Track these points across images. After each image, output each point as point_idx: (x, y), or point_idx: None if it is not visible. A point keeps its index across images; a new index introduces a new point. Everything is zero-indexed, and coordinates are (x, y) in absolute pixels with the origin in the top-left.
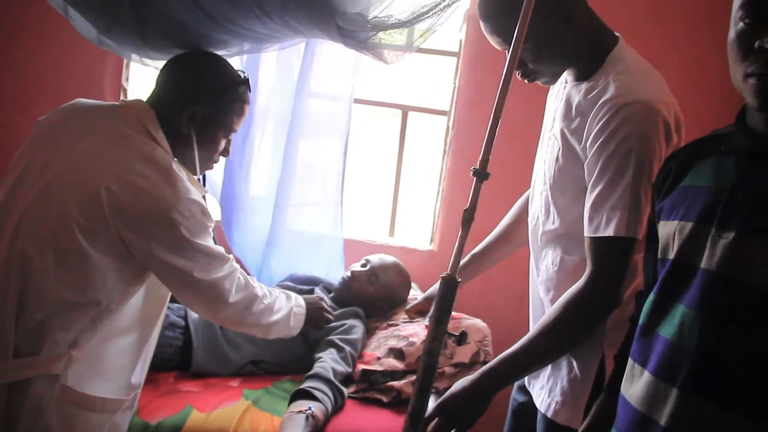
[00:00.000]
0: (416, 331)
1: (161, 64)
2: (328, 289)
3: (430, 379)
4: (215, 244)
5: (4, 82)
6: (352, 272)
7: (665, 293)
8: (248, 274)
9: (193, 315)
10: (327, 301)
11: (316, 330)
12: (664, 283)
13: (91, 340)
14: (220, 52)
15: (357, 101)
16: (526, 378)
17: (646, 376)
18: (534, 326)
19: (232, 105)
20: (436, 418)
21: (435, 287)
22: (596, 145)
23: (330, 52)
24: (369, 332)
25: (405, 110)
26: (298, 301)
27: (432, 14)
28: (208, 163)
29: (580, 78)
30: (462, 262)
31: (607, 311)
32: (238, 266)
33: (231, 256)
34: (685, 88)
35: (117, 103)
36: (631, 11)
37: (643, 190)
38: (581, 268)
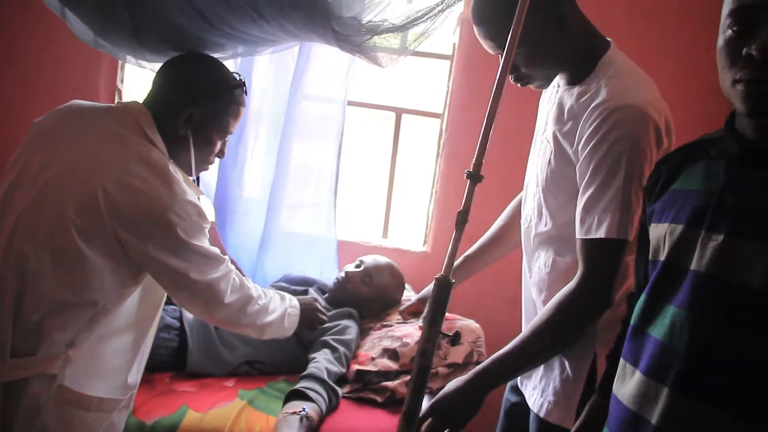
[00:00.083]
0: (410, 331)
1: (157, 66)
2: (322, 289)
3: (425, 379)
4: (211, 245)
5: (0, 82)
6: (346, 273)
7: (656, 294)
8: (243, 275)
9: (189, 316)
10: (321, 301)
11: (310, 330)
12: (655, 284)
13: (87, 340)
14: (215, 55)
15: (351, 103)
16: (518, 378)
17: (638, 375)
18: (526, 327)
19: (228, 107)
20: (430, 418)
21: (428, 288)
22: (588, 148)
23: (325, 54)
24: (363, 333)
25: (399, 113)
26: (293, 302)
27: (426, 19)
28: (203, 164)
29: (572, 82)
30: (455, 263)
31: (598, 312)
32: (233, 267)
33: (227, 257)
34: (676, 93)
35: (113, 104)
36: (622, 17)
37: (634, 193)
38: (573, 269)
